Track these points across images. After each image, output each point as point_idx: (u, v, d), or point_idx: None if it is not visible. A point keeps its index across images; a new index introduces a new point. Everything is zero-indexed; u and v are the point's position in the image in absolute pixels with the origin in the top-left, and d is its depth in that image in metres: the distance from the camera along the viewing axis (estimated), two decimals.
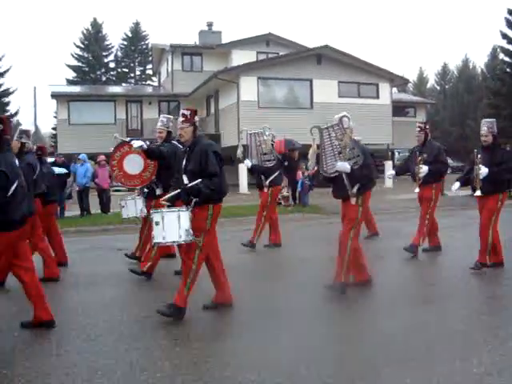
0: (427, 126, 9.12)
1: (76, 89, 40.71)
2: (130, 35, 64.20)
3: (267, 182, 9.82)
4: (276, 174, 9.86)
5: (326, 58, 26.76)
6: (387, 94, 28.41)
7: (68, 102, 32.07)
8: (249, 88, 25.67)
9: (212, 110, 31.22)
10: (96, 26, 60.71)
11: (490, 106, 34.53)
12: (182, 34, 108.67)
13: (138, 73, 65.62)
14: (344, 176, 6.45)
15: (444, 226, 10.91)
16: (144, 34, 64.98)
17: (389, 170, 27.70)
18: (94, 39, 60.08)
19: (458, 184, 8.07)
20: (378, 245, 10.46)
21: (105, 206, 16.49)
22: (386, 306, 6.22)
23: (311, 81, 26.60)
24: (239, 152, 10.81)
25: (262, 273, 8.23)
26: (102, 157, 16.87)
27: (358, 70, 27.32)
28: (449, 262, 8.74)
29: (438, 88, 67.45)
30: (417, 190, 8.99)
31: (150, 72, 60.54)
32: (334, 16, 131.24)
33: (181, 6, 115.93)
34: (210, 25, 37.81)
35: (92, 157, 19.85)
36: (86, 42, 60.08)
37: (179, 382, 4.06)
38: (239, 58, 30.60)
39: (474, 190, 7.56)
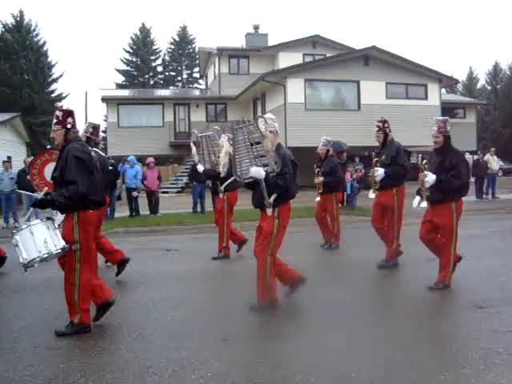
0: (386, 125, 8.42)
1: (125, 92, 41.51)
2: (178, 39, 65.29)
3: (222, 188, 9.30)
4: (231, 179, 8.96)
5: (373, 59, 26.49)
6: (436, 94, 27.88)
7: (117, 105, 32.74)
8: (296, 90, 25.65)
9: (259, 113, 31.27)
10: (144, 31, 61.97)
11: None
12: (229, 37, 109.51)
13: (185, 76, 66.63)
14: (262, 183, 5.86)
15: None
16: (191, 37, 65.99)
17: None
18: (142, 44, 61.33)
19: (418, 198, 7.04)
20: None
21: (154, 207, 16.78)
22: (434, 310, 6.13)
23: (358, 82, 26.36)
24: (193, 153, 9.90)
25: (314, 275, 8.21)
26: (151, 159, 17.18)
27: (406, 71, 26.92)
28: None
29: (489, 88, 65.80)
30: (371, 195, 8.39)
31: (196, 75, 61.46)
32: (382, 16, 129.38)
33: (227, 9, 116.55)
34: (256, 27, 37.96)
35: (140, 159, 20.22)
36: (135, 47, 61.44)
37: (229, 382, 4.09)
38: (286, 60, 30.63)
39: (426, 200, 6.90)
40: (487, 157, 21.50)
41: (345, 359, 4.53)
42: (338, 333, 5.23)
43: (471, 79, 70.04)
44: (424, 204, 6.85)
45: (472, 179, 21.89)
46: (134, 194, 16.13)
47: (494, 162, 21.47)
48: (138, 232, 13.74)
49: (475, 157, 25.30)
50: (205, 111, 33.84)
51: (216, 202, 10.21)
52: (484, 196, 20.79)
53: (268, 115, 6.31)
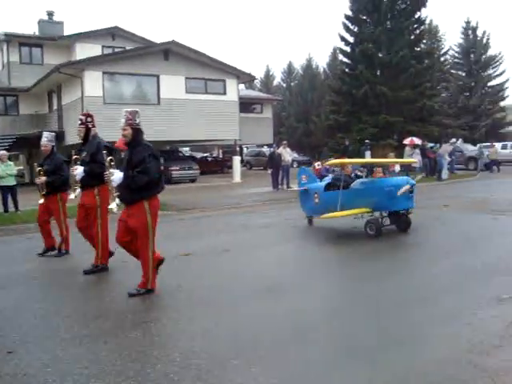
0: (89, 119, 7.90)
1: None
2: None
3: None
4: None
5: (173, 53, 26.53)
6: (234, 90, 28.86)
7: None
8: (94, 83, 24.64)
9: (55, 106, 29.58)
10: None
11: (332, 103, 36.57)
12: (19, 22, 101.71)
13: None
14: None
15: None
16: None
17: (237, 164, 28.45)
18: None
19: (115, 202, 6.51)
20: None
21: None
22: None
23: (158, 76, 26.21)
24: None
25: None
26: None
27: (206, 66, 27.44)
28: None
29: (284, 85, 70.20)
30: (71, 196, 8.16)
31: None
32: (183, 12, 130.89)
33: None
34: (50, 14, 35.58)
35: None
36: None
37: None
38: (83, 51, 29.39)
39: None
40: (281, 150, 22.85)
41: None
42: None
43: (268, 77, 74.22)
44: (113, 205, 6.45)
45: (268, 171, 23.22)
46: None
47: (287, 155, 22.93)
48: None
49: (271, 149, 26.69)
50: None
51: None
52: (280, 186, 22.07)
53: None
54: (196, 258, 8.80)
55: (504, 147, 36.85)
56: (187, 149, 50.45)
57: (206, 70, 27.49)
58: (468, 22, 51.52)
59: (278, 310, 5.76)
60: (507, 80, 49.92)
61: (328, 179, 12.86)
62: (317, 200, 11.59)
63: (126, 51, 27.54)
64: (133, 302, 6.23)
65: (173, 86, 26.21)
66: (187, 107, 26.23)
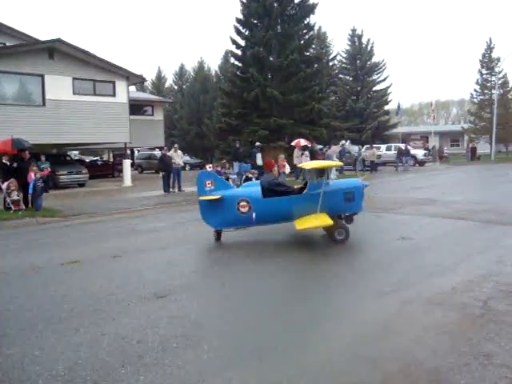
0: None
1: None
2: None
3: None
4: None
5: (59, 52, 25.38)
6: (124, 92, 28.16)
7: None
8: None
9: None
10: None
11: (223, 105, 36.70)
12: None
13: None
14: None
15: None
16: None
17: (128, 168, 27.87)
18: None
19: None
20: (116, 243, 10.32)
21: None
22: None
23: (43, 76, 24.97)
24: None
25: None
26: None
27: (94, 67, 26.53)
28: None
29: (176, 87, 69.78)
30: None
31: None
32: (71, 11, 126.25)
33: None
34: None
35: None
36: None
37: None
38: None
39: None
40: (171, 152, 22.65)
41: None
42: None
43: (160, 78, 73.44)
44: None
45: (160, 174, 22.95)
46: None
47: (178, 157, 22.78)
48: None
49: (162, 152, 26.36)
50: None
51: None
52: (171, 190, 21.87)
53: None
54: (83, 265, 8.50)
55: (388, 149, 39.04)
56: (76, 152, 48.72)
57: (95, 70, 26.60)
58: (354, 30, 53.93)
59: (165, 315, 5.71)
60: (390, 85, 52.87)
61: (254, 183, 11.68)
62: (245, 209, 9.98)
63: (7, 47, 26.04)
64: (12, 314, 5.91)
65: (59, 86, 25.08)
66: (75, 109, 25.22)
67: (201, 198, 10.41)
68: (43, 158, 23.54)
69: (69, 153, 36.04)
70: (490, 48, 50.74)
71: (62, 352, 4.78)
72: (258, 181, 11.29)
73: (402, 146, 36.42)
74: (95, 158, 43.57)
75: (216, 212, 10.20)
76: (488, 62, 50.72)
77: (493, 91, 49.03)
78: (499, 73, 49.14)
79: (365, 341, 4.81)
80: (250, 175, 20.86)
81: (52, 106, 24.58)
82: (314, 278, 7.23)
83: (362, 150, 35.02)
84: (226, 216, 10.13)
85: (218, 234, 10.49)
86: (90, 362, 4.45)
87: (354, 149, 35.08)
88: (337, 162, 14.84)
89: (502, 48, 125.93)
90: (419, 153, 41.05)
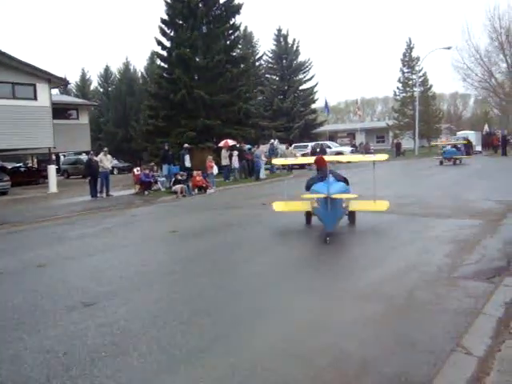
0: None
1: None
2: None
3: None
4: None
5: None
6: (46, 95, 27.22)
7: None
8: None
9: None
10: None
11: (150, 107, 36.21)
12: None
13: None
14: None
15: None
16: None
17: (53, 174, 26.97)
18: None
19: None
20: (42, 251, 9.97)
21: None
22: None
23: None
24: None
25: None
26: None
27: (13, 69, 25.45)
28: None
29: (102, 90, 68.25)
30: None
31: None
32: None
33: None
34: None
35: None
36: None
37: None
38: None
39: None
40: (101, 156, 22.10)
41: None
42: None
43: (84, 81, 71.67)
44: None
45: (86, 179, 22.38)
46: None
47: (108, 161, 22.27)
48: None
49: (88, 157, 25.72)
50: None
51: None
52: (99, 194, 21.37)
53: None
54: (6, 277, 8.18)
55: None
56: None
57: (14, 73, 25.53)
58: (279, 30, 54.66)
59: (93, 323, 5.58)
60: (316, 84, 54.04)
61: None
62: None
63: None
64: None
65: None
66: None
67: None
68: None
69: None
70: (410, 48, 52.72)
71: None
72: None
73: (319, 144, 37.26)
74: (18, 165, 41.92)
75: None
76: (409, 61, 52.68)
77: (414, 89, 50.97)
78: (419, 71, 51.12)
79: (295, 339, 4.87)
80: (180, 177, 20.72)
81: None
82: (242, 279, 7.27)
83: (291, 148, 35.38)
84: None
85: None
86: (12, 380, 4.27)
87: (282, 148, 35.49)
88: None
89: (421, 48, 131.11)
90: (346, 150, 42.08)
